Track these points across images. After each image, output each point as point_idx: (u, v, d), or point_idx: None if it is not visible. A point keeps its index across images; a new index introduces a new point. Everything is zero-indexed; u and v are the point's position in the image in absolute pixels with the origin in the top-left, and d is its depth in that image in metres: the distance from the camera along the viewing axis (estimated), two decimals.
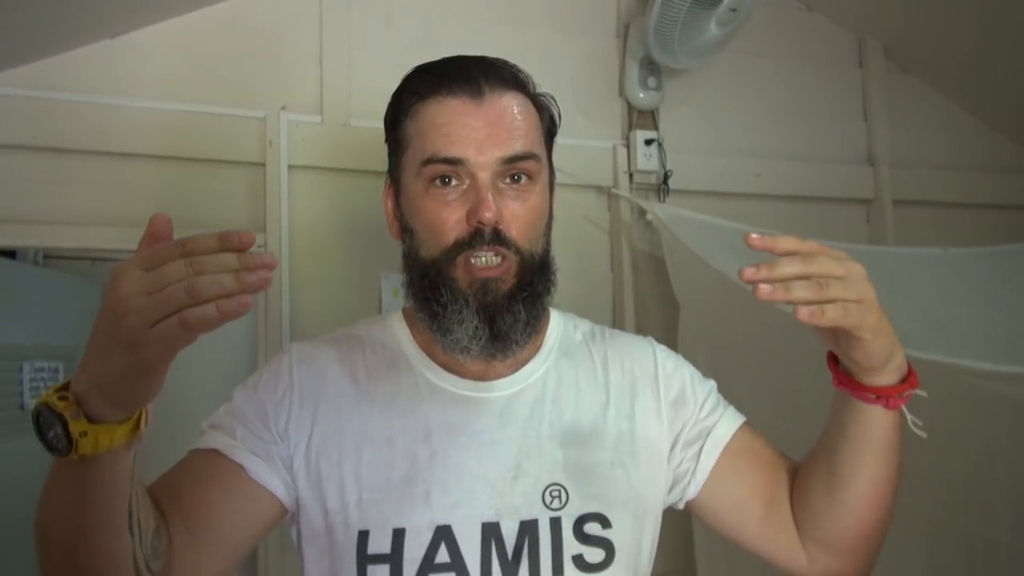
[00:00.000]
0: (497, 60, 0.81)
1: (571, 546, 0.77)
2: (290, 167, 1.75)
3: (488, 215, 0.73)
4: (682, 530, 1.86)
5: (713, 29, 1.81)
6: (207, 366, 2.74)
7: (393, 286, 1.82)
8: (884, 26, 2.30)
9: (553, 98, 0.87)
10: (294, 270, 1.74)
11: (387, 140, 0.85)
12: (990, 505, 1.08)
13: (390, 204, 0.85)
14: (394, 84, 1.91)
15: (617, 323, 1.98)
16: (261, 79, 1.78)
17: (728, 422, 0.90)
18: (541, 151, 0.81)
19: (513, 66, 0.82)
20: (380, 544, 0.73)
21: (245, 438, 0.77)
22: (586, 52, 2.06)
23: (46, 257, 2.25)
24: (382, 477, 0.76)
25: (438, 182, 0.76)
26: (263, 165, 1.74)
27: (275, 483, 0.76)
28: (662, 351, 0.97)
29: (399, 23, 1.89)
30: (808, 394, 1.41)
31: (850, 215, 2.30)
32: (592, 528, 0.78)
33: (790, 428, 1.43)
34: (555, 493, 0.78)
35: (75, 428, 0.55)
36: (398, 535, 0.73)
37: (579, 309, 2.00)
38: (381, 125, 1.88)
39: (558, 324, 0.90)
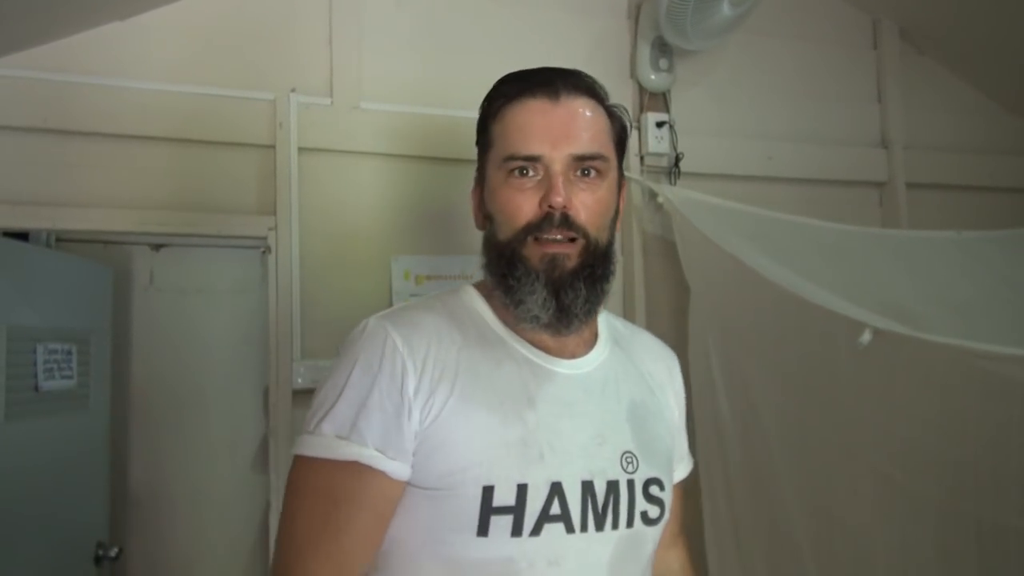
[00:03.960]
0: (575, 71, 0.90)
1: (641, 503, 0.88)
2: (300, 149, 1.75)
3: (558, 199, 0.82)
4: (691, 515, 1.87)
5: (726, 9, 1.79)
6: (217, 349, 2.77)
7: (403, 269, 1.83)
8: (899, 7, 2.27)
9: (625, 109, 0.95)
10: (304, 253, 1.74)
11: (477, 142, 0.94)
12: (1000, 489, 1.07)
13: (477, 197, 0.94)
14: (405, 66, 1.93)
15: (627, 306, 1.98)
16: (271, 61, 1.77)
17: (688, 466, 1.09)
18: (610, 153, 0.88)
19: (589, 77, 0.91)
20: (505, 498, 0.80)
21: (381, 440, 0.80)
22: (597, 33, 2.05)
23: (58, 240, 2.26)
24: (500, 437, 0.82)
25: (516, 173, 0.84)
26: (273, 147, 1.74)
27: (407, 470, 0.82)
28: (680, 369, 1.10)
29: (409, 5, 1.88)
30: (816, 376, 1.41)
31: (863, 198, 2.28)
32: (655, 490, 0.89)
33: (799, 409, 1.43)
34: (629, 459, 0.89)
35: None
36: (521, 489, 0.80)
37: None
38: (391, 108, 1.89)
39: (603, 316, 0.98)
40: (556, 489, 0.82)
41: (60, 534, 1.91)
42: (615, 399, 0.91)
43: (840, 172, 2.24)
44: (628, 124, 0.95)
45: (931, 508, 1.12)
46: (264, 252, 2.64)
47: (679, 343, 1.93)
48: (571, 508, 0.82)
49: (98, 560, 2.05)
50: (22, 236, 1.93)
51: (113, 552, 2.09)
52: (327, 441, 0.79)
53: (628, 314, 1.98)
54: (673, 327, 1.98)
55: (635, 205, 1.99)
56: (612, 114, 0.91)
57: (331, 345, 1.75)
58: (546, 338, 0.88)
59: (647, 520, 0.88)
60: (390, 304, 1.80)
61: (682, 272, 1.89)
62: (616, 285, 1.99)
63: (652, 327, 1.96)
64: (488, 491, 0.79)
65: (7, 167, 1.58)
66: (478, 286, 0.93)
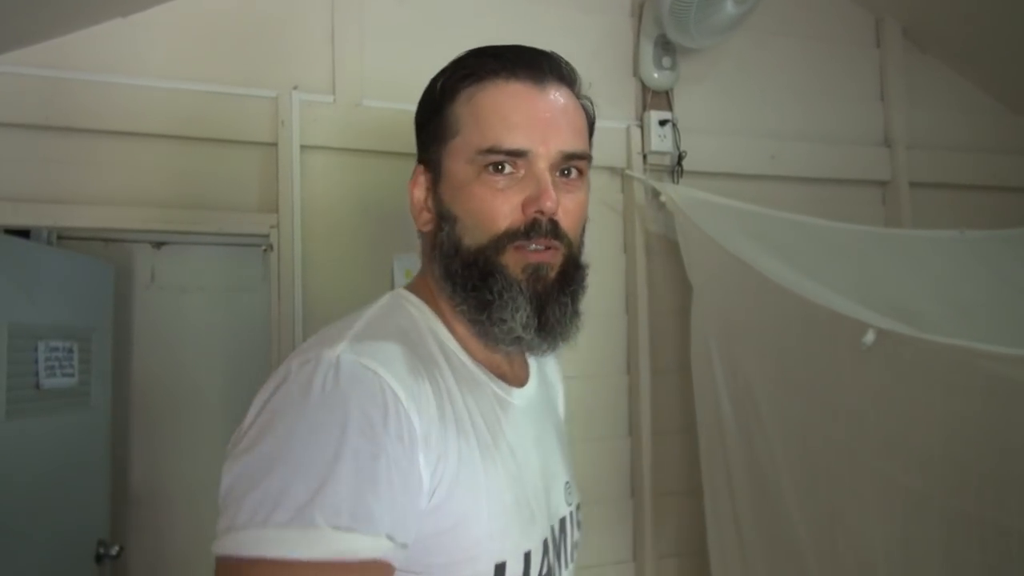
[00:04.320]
0: (552, 52, 0.78)
1: (575, 533, 0.82)
2: (302, 147, 1.75)
3: (550, 204, 0.70)
4: (693, 515, 1.87)
5: (729, 7, 1.79)
6: (218, 349, 2.76)
7: (405, 268, 1.82)
8: (903, 5, 2.26)
9: (591, 101, 0.84)
10: (306, 251, 1.74)
11: (425, 124, 0.78)
12: (1005, 491, 1.07)
13: (419, 192, 0.77)
14: (407, 63, 1.93)
15: (630, 306, 1.98)
16: (273, 59, 1.76)
17: None
18: (589, 151, 0.78)
19: (567, 61, 0.79)
20: (514, 570, 0.68)
21: (391, 524, 0.59)
22: (600, 31, 2.04)
23: (59, 238, 2.25)
24: (501, 503, 0.68)
25: (491, 168, 0.71)
26: (275, 145, 1.73)
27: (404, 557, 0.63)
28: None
29: (411, 1, 1.88)
30: (819, 376, 1.40)
31: (866, 197, 2.28)
32: (581, 514, 0.84)
33: (801, 409, 1.43)
34: (569, 489, 0.81)
35: None
36: (527, 558, 0.69)
37: (591, 292, 1.99)
38: (394, 105, 1.89)
39: None
40: (546, 545, 0.72)
41: (61, 533, 1.91)
42: (549, 423, 0.82)
43: (843, 171, 2.23)
44: (593, 118, 0.83)
45: (935, 510, 1.11)
46: (265, 250, 2.63)
47: (681, 343, 1.93)
48: (551, 561, 0.73)
49: (99, 558, 2.05)
50: (23, 234, 1.92)
51: (114, 551, 2.08)
52: (322, 535, 0.54)
53: (631, 314, 1.97)
54: (675, 327, 1.98)
55: (638, 204, 1.98)
56: (585, 106, 0.81)
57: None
58: (502, 363, 0.76)
59: (575, 548, 0.81)
60: None
61: (685, 271, 1.89)
62: (618, 284, 2.01)
63: (655, 326, 1.96)
64: (500, 568, 0.67)
65: (8, 164, 1.57)
66: (417, 296, 0.76)
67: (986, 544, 1.03)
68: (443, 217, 0.74)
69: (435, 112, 0.76)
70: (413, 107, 1.88)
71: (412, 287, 0.77)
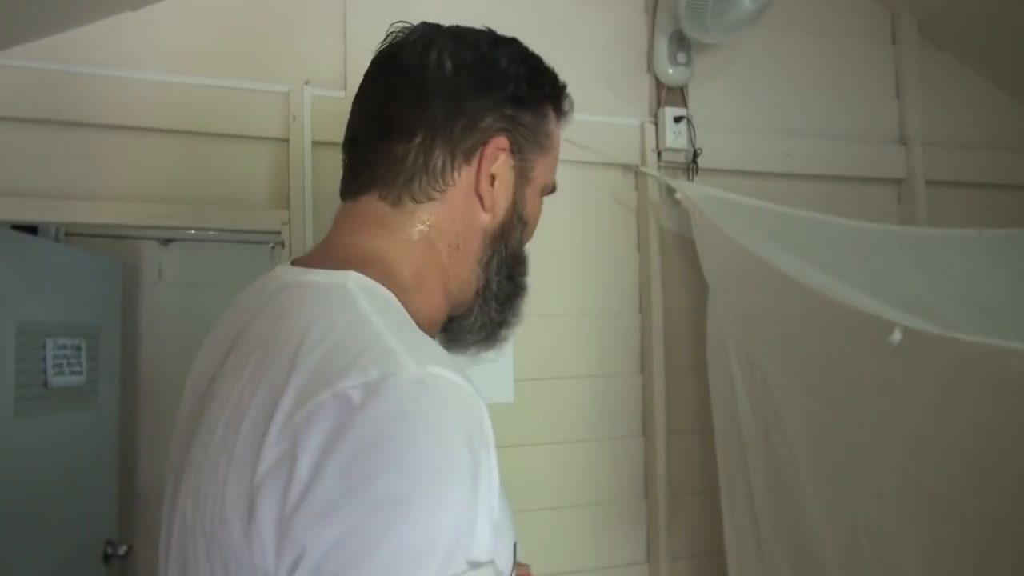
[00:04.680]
0: None
1: None
2: (314, 143, 1.72)
3: None
4: (708, 516, 1.85)
5: (747, 2, 1.76)
6: None
7: None
8: (919, 1, 2.23)
9: None
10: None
11: (529, 106, 0.69)
12: None
13: (505, 173, 0.66)
14: None
15: (644, 305, 1.95)
16: (284, 53, 1.74)
17: None
18: None
19: None
20: (514, 556, 0.63)
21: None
22: (614, 27, 2.01)
23: (67, 234, 2.23)
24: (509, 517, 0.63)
25: (543, 198, 0.77)
26: (286, 141, 1.71)
27: None
28: None
29: None
30: (842, 376, 1.38)
31: (881, 195, 2.25)
32: None
33: (823, 410, 1.40)
34: None
35: None
36: (515, 547, 0.64)
37: (604, 290, 1.98)
38: None
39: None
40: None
41: (69, 532, 1.89)
42: None
43: (858, 169, 2.20)
44: None
45: (966, 513, 1.09)
46: (274, 247, 2.61)
47: (696, 342, 1.91)
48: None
49: (107, 558, 2.03)
50: (31, 230, 1.90)
51: (122, 550, 2.07)
52: None
53: (645, 313, 1.95)
54: (691, 326, 1.95)
55: (652, 201, 1.96)
56: None
57: None
58: None
59: None
60: None
61: (699, 270, 1.86)
62: (631, 283, 1.98)
63: (669, 326, 1.94)
64: (515, 550, 0.63)
65: (16, 159, 1.55)
66: (380, 285, 0.60)
67: (1021, 547, 1.00)
68: (519, 219, 0.72)
69: (542, 109, 0.70)
70: None
71: (370, 273, 0.59)
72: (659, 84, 2.02)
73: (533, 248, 1.97)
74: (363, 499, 0.42)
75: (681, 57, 1.98)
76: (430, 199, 0.61)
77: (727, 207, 1.82)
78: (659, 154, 1.99)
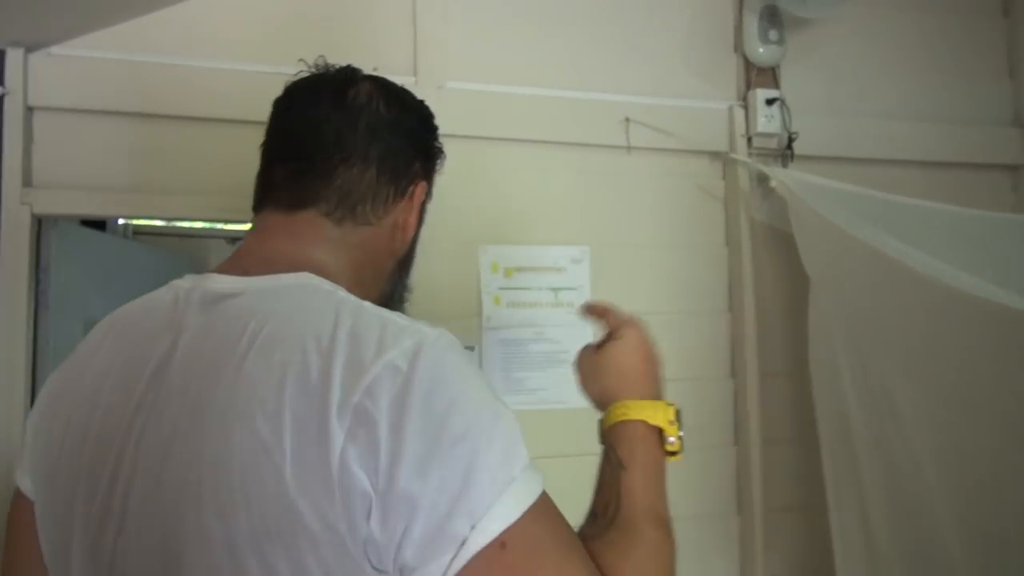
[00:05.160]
0: None
1: None
2: None
3: None
4: (810, 533, 1.69)
5: None
6: None
7: (491, 260, 1.69)
8: None
9: None
10: None
11: (430, 157, 0.82)
12: None
13: (418, 207, 0.78)
14: (494, 41, 1.81)
15: (735, 303, 1.81)
16: (352, 39, 1.66)
17: None
18: None
19: None
20: None
21: None
22: (697, 4, 1.87)
23: (135, 232, 2.21)
24: None
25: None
26: None
27: None
28: None
29: None
30: (978, 380, 1.21)
31: (994, 182, 2.05)
32: None
33: (961, 426, 1.24)
34: None
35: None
36: None
37: (690, 288, 1.84)
38: (480, 86, 1.77)
39: None
40: None
41: None
42: None
43: (968, 154, 2.01)
44: None
45: None
46: None
47: (795, 344, 1.75)
48: None
49: None
50: (99, 226, 1.87)
51: None
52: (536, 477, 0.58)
53: (735, 312, 1.80)
54: (787, 326, 1.80)
55: (742, 191, 1.81)
56: None
57: None
58: None
59: None
60: (479, 300, 1.67)
61: (797, 265, 1.71)
62: (720, 279, 1.83)
63: (763, 325, 1.78)
64: None
65: (81, 152, 1.51)
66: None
67: None
68: (413, 249, 0.81)
69: (438, 164, 0.83)
70: (499, 88, 1.78)
71: (327, 275, 0.64)
72: (748, 64, 1.87)
73: (613, 242, 1.83)
74: (446, 442, 0.50)
75: (772, 35, 1.83)
76: (368, 224, 0.68)
77: (828, 196, 1.66)
78: (749, 140, 1.84)
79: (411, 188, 0.73)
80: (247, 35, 1.60)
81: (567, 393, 1.70)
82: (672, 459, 0.71)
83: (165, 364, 0.58)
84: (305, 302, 0.58)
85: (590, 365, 0.80)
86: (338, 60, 1.63)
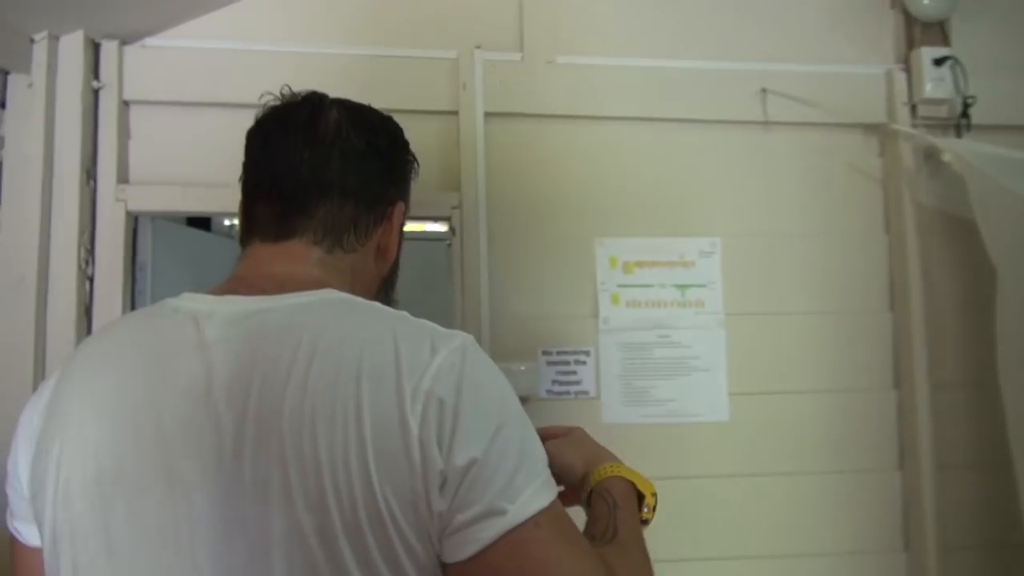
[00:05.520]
0: None
1: None
2: (486, 115, 1.49)
3: None
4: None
5: None
6: None
7: (609, 254, 1.51)
8: None
9: None
10: (493, 236, 1.48)
11: (404, 176, 0.80)
12: None
13: (398, 226, 0.78)
14: (607, 9, 1.62)
15: (898, 300, 1.54)
16: (452, 15, 1.52)
17: None
18: None
19: None
20: None
21: None
22: None
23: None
24: None
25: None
26: (455, 113, 1.48)
27: None
28: None
29: None
30: None
31: None
32: None
33: None
34: None
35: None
36: None
37: (843, 282, 1.58)
38: (592, 61, 1.58)
39: None
40: None
41: None
42: None
43: None
44: None
45: None
46: (450, 244, 2.45)
47: (975, 348, 1.47)
48: None
49: None
50: (204, 225, 1.82)
51: None
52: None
53: (899, 311, 1.54)
54: (964, 326, 1.52)
55: (905, 168, 1.54)
56: None
57: (525, 346, 1.47)
58: None
59: None
60: (595, 298, 1.49)
61: (975, 254, 1.43)
62: (879, 272, 1.56)
63: (934, 327, 1.51)
64: None
65: (179, 147, 1.44)
66: None
67: None
68: (396, 263, 0.80)
69: (407, 178, 0.80)
70: (617, 61, 1.59)
71: (354, 292, 0.68)
72: (910, 20, 1.59)
73: (748, 231, 1.60)
74: (499, 428, 0.57)
75: None
76: (354, 251, 0.71)
77: (1018, 170, 1.37)
78: (913, 108, 1.57)
79: (389, 211, 0.74)
80: (346, 17, 1.50)
81: (700, 404, 1.49)
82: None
83: (207, 380, 0.58)
84: (348, 313, 0.62)
85: (563, 443, 0.81)
86: (439, 39, 1.50)
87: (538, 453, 0.59)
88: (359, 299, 0.63)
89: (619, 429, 1.46)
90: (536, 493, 0.56)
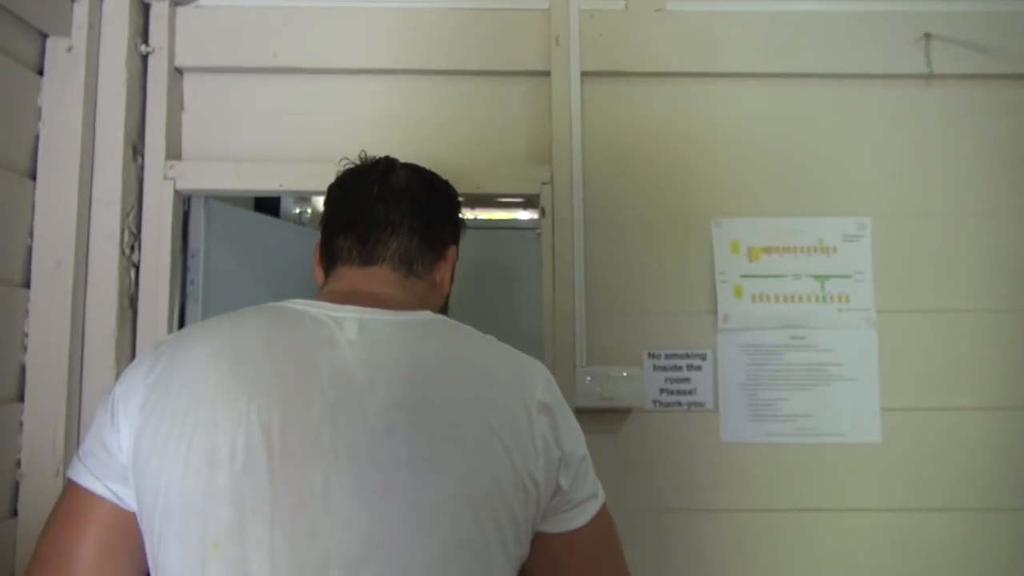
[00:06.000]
0: None
1: None
2: (583, 74, 1.27)
3: None
4: None
5: None
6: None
7: (731, 238, 1.25)
8: None
9: None
10: (590, 217, 1.25)
11: (457, 227, 0.90)
12: None
13: (451, 265, 0.88)
14: None
15: None
16: None
17: None
18: None
19: None
20: None
21: None
22: None
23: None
24: None
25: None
26: (547, 74, 1.27)
27: None
28: None
29: None
30: None
31: None
32: None
33: None
34: None
35: None
36: None
37: (1000, 274, 1.29)
38: (710, 6, 1.30)
39: None
40: None
41: None
42: None
43: None
44: None
45: None
46: (539, 234, 2.25)
47: None
48: None
49: None
50: (272, 205, 1.68)
51: None
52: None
53: None
54: None
55: None
56: None
57: (627, 348, 1.23)
58: None
59: None
60: (713, 291, 1.24)
61: None
62: None
63: None
64: None
65: (230, 117, 1.29)
66: None
67: None
68: (447, 303, 0.91)
69: (461, 232, 0.91)
70: (738, 6, 1.31)
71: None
72: None
73: (905, 210, 1.30)
74: (576, 433, 0.72)
75: None
76: (420, 279, 0.82)
77: None
78: None
79: (445, 252, 0.86)
80: None
81: (843, 421, 1.22)
82: None
83: (353, 371, 0.66)
84: (459, 331, 0.73)
85: None
86: None
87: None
88: (456, 322, 0.75)
89: (741, 450, 1.21)
90: (600, 488, 0.74)
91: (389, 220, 0.81)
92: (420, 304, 0.78)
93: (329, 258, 0.81)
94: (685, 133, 1.28)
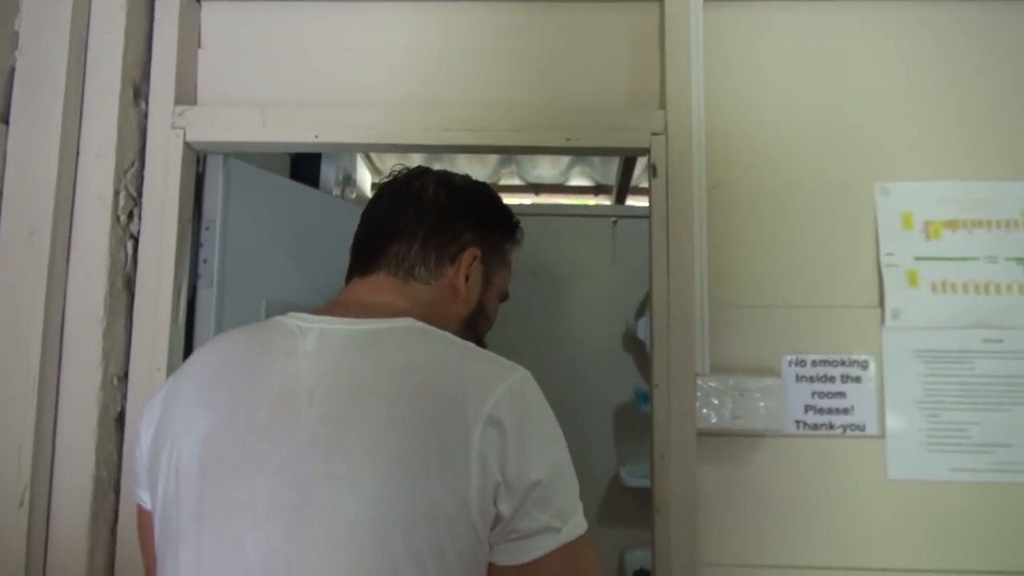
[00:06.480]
0: None
1: None
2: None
3: None
4: None
5: None
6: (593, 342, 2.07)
7: (901, 208, 0.95)
8: None
9: None
10: (713, 180, 0.96)
11: (492, 228, 0.85)
12: None
13: (476, 276, 0.83)
14: None
15: None
16: None
17: None
18: None
19: None
20: None
21: None
22: None
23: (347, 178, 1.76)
24: None
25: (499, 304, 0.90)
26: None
27: None
28: None
29: None
30: None
31: None
32: None
33: None
34: None
35: None
36: None
37: None
38: None
39: None
40: None
41: None
42: None
43: None
44: None
45: None
46: (616, 222, 1.99)
47: None
48: None
49: None
50: (311, 171, 1.43)
51: None
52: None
53: None
54: None
55: None
56: None
57: (761, 351, 0.94)
58: None
59: None
60: (877, 278, 0.95)
61: None
62: None
63: None
64: None
65: (255, 55, 1.03)
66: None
67: None
68: (483, 311, 0.86)
69: (504, 234, 0.87)
70: None
71: (431, 324, 0.73)
72: None
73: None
74: (552, 455, 0.64)
75: None
76: (427, 284, 0.79)
77: None
78: None
79: (460, 254, 0.81)
80: None
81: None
82: None
83: (296, 383, 0.65)
84: (424, 339, 0.69)
85: None
86: None
87: (577, 485, 0.66)
88: (435, 329, 0.70)
89: (916, 490, 0.92)
90: (578, 522, 0.65)
91: (391, 227, 0.80)
92: (427, 311, 0.75)
93: (349, 269, 0.82)
94: (837, 74, 0.99)
